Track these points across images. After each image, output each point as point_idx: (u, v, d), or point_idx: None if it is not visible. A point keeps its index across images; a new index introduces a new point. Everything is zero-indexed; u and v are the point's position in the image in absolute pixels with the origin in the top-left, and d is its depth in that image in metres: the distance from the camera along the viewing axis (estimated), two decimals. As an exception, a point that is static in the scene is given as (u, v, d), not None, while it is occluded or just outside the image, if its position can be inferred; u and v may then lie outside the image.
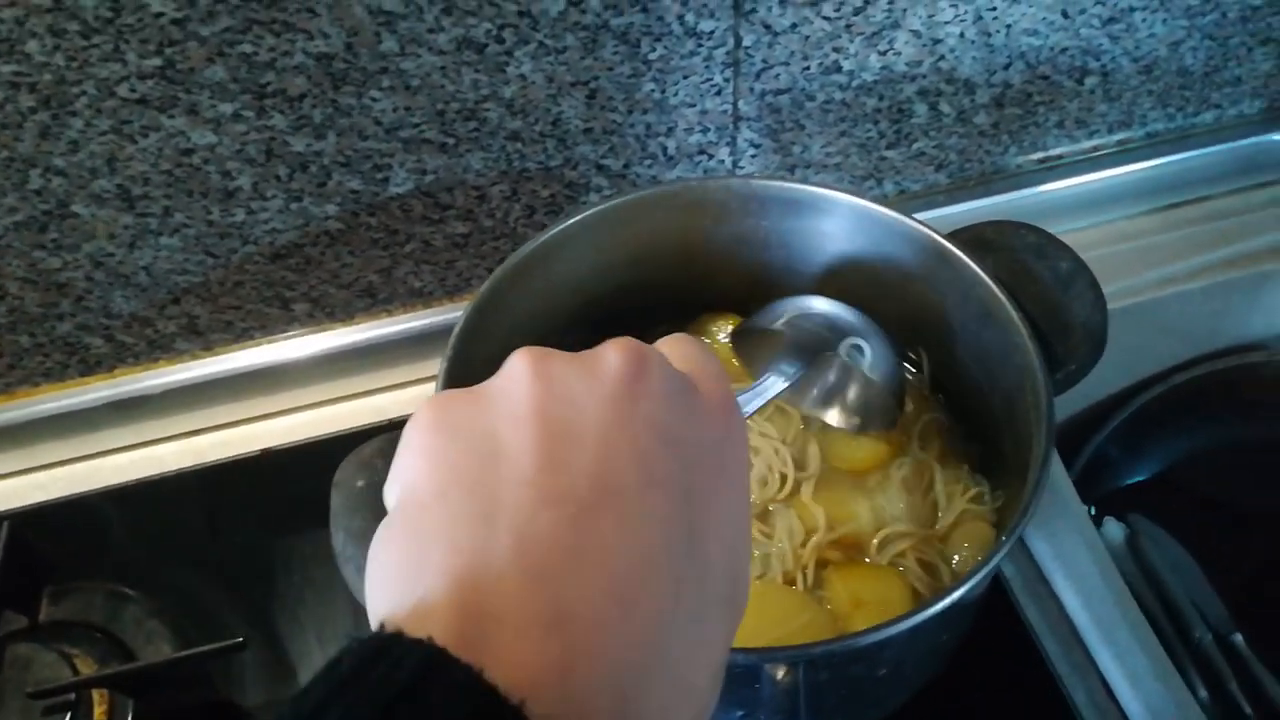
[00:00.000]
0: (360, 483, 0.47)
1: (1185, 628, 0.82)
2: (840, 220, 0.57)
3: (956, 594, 0.42)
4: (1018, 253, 0.53)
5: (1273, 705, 0.77)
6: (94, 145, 0.57)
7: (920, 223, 0.54)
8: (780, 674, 0.45)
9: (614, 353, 0.28)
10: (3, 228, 0.59)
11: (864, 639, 0.42)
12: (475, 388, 0.29)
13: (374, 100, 0.60)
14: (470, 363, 0.51)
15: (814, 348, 0.56)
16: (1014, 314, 0.50)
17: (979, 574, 0.42)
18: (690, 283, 0.63)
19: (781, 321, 0.56)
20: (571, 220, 0.55)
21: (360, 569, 0.44)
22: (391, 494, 0.28)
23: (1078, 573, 0.62)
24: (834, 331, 0.56)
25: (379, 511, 0.46)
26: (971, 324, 0.53)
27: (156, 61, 0.55)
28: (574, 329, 0.60)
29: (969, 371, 0.57)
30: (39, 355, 0.67)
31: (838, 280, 0.60)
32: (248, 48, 0.55)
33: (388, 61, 0.58)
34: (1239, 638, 0.81)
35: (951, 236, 0.55)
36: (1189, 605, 0.82)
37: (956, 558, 0.57)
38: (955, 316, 0.55)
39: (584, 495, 0.25)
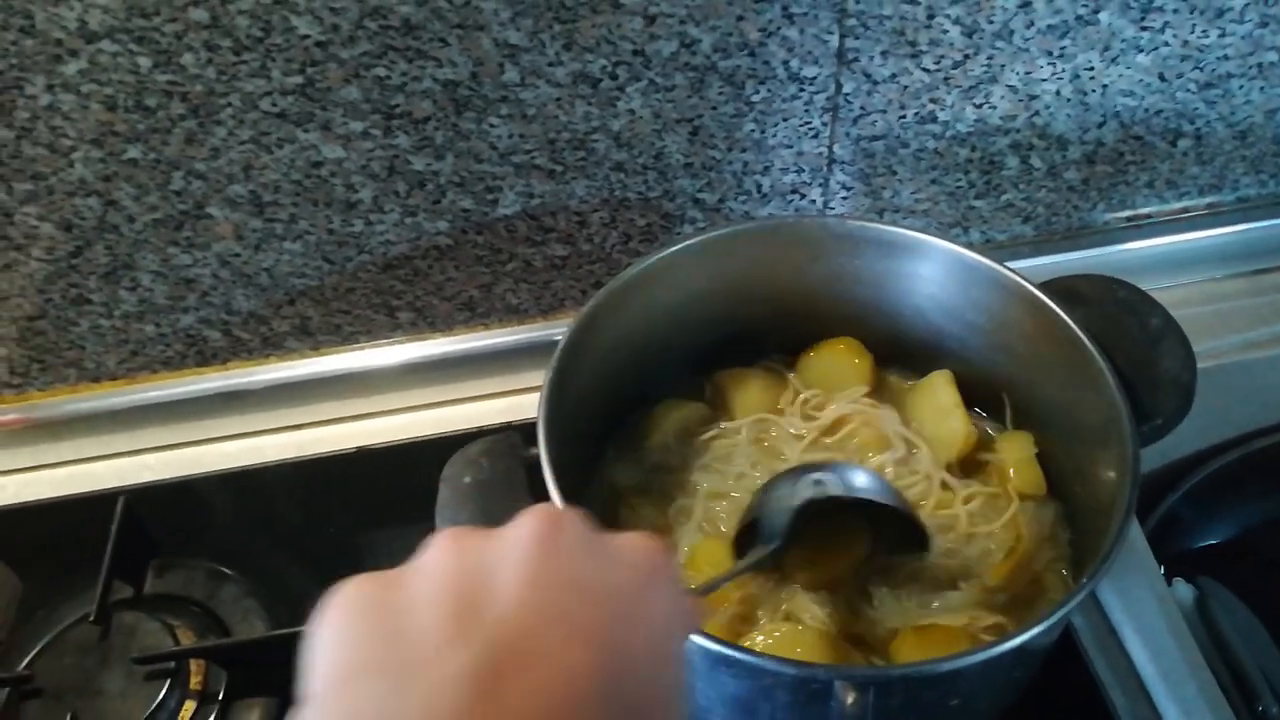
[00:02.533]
0: (467, 479, 0.50)
1: (1250, 695, 0.81)
2: (932, 264, 0.59)
3: (1029, 634, 0.43)
4: (1108, 306, 0.54)
5: (1341, 781, 0.76)
6: (234, 153, 0.61)
7: (1013, 271, 0.55)
8: (851, 698, 0.47)
9: (527, 518, 0.30)
10: (143, 224, 0.64)
11: (939, 666, 0.44)
12: (391, 571, 0.29)
13: (492, 126, 0.63)
14: (570, 378, 0.54)
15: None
16: (1103, 365, 0.51)
17: (1053, 616, 0.43)
18: (783, 318, 0.65)
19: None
20: (673, 249, 0.58)
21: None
22: (308, 680, 0.27)
23: (1148, 628, 0.62)
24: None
25: (483, 505, 0.49)
26: (1058, 374, 0.55)
27: (298, 79, 0.59)
28: (670, 355, 0.63)
29: (1051, 421, 0.58)
30: (161, 344, 0.71)
31: (926, 321, 0.62)
32: (382, 71, 0.60)
33: (508, 91, 0.62)
34: (1308, 710, 0.80)
35: (1043, 286, 0.56)
36: (1256, 673, 0.81)
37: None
38: (1042, 366, 0.56)
39: (499, 662, 0.25)
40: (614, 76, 0.62)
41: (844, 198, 0.74)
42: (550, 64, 0.61)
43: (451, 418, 0.75)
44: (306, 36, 0.58)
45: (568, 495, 0.48)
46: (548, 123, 0.64)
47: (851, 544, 0.56)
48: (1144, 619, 0.62)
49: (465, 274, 0.72)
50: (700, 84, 0.64)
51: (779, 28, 0.62)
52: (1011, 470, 0.60)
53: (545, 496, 0.48)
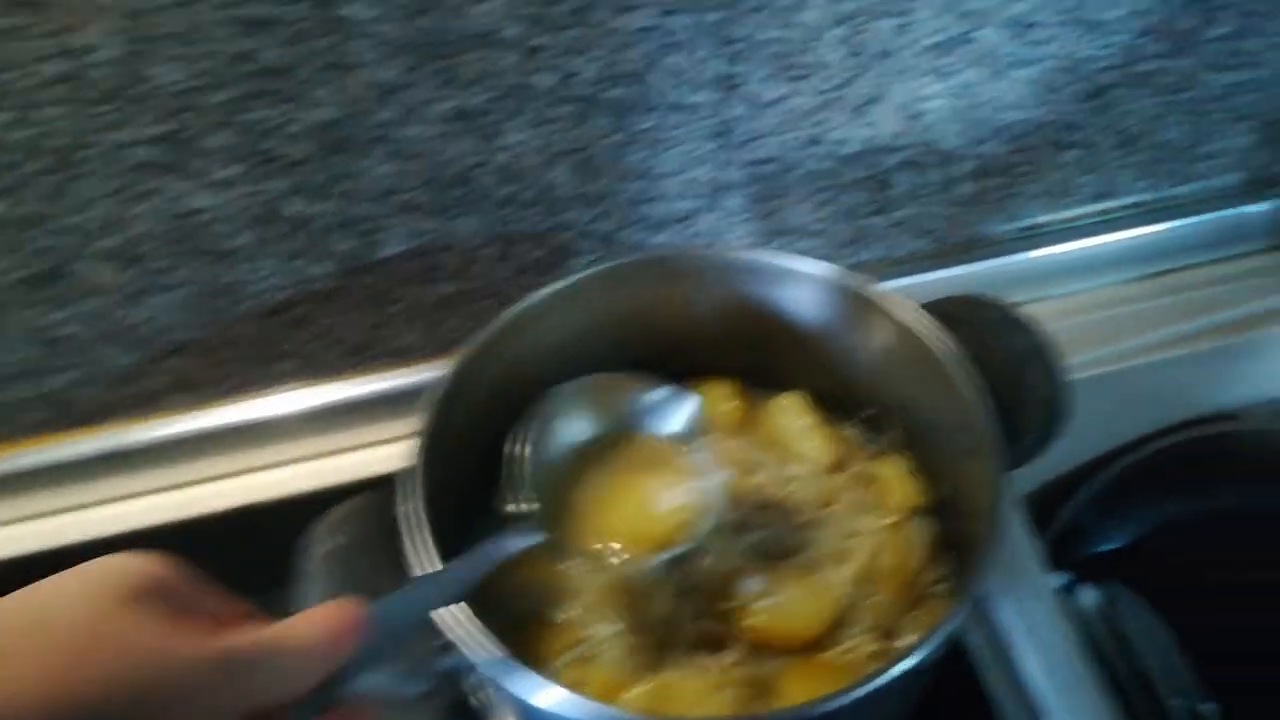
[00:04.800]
0: (329, 545, 0.48)
1: (1157, 697, 0.82)
2: (812, 289, 0.59)
3: (891, 674, 0.43)
4: (981, 327, 0.54)
5: (1243, 774, 0.78)
6: (101, 206, 0.59)
7: (888, 294, 0.56)
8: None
9: None
10: (8, 284, 0.61)
11: (815, 709, 0.43)
12: None
13: (371, 166, 0.62)
14: (450, 423, 0.53)
15: None
16: (973, 387, 0.51)
17: (914, 656, 0.43)
18: (673, 351, 0.64)
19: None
20: (556, 287, 0.57)
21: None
22: None
23: (1041, 643, 0.63)
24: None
25: (347, 576, 0.48)
26: (935, 395, 0.55)
27: (164, 128, 0.57)
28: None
29: (931, 441, 0.58)
30: (29, 409, 0.68)
31: (809, 345, 0.62)
32: (253, 115, 0.57)
33: (385, 129, 0.60)
34: (1210, 708, 0.81)
35: (921, 309, 0.56)
36: (1161, 674, 0.83)
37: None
38: (919, 387, 0.56)
39: None
40: (494, 111, 0.61)
41: (737, 222, 0.73)
42: (428, 101, 0.60)
43: (345, 466, 0.73)
44: (171, 84, 0.55)
45: (443, 554, 0.47)
46: (429, 160, 0.62)
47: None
48: (1037, 632, 0.63)
49: (351, 318, 0.70)
50: (585, 115, 0.63)
51: (661, 56, 0.62)
52: (890, 487, 0.60)
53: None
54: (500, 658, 0.44)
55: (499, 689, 0.47)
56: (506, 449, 0.50)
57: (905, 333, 0.56)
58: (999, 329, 0.55)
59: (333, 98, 0.58)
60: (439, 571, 0.45)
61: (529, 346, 0.58)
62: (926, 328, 0.55)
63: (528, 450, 0.50)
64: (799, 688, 0.53)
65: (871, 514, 0.60)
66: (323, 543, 0.52)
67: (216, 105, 0.57)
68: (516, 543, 0.47)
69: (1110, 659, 0.85)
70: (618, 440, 0.57)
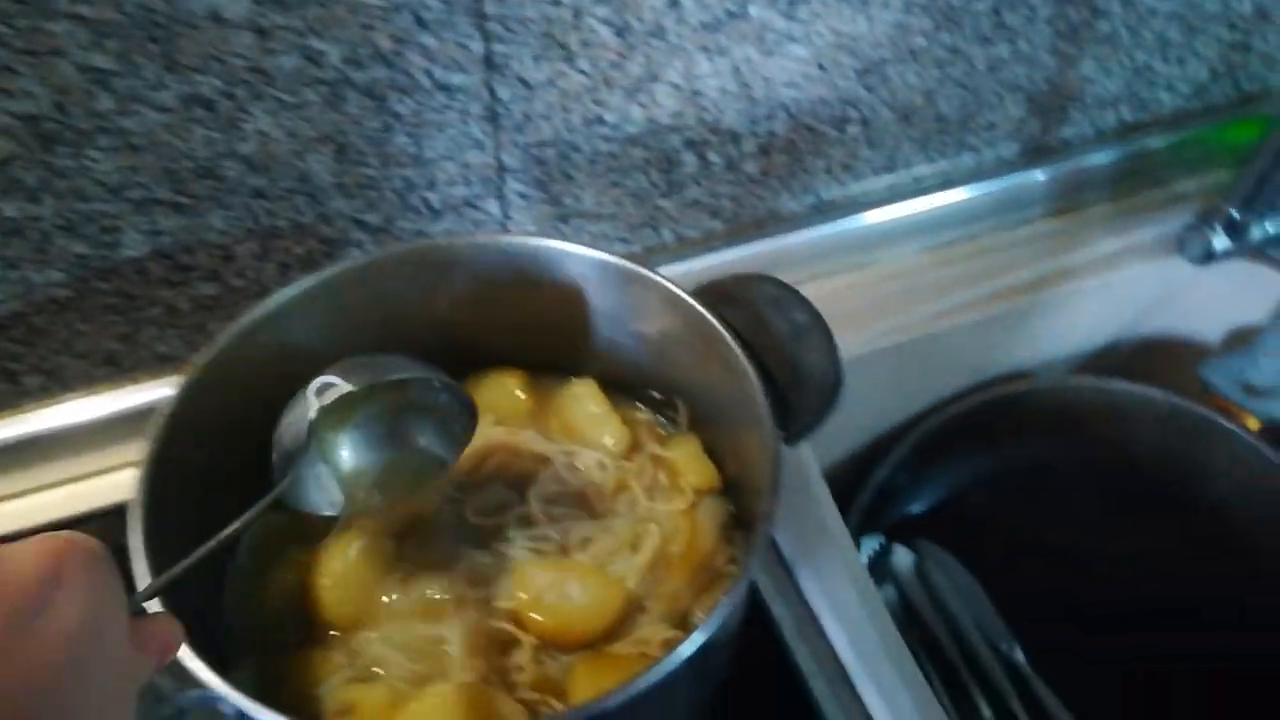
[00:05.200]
0: None
1: (970, 649, 0.85)
2: (588, 275, 0.57)
3: (673, 662, 0.41)
4: (757, 305, 0.53)
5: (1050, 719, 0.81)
6: None
7: (659, 277, 0.54)
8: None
9: None
10: None
11: (595, 708, 0.41)
12: None
13: (94, 161, 0.56)
14: (182, 446, 0.48)
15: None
16: (748, 367, 0.50)
17: (692, 642, 0.42)
18: (448, 345, 0.61)
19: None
20: (303, 285, 0.53)
21: None
22: None
23: (845, 611, 0.63)
24: None
25: None
26: (715, 376, 0.54)
27: None
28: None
29: (718, 421, 0.57)
30: None
31: (593, 331, 0.60)
32: (-62, 109, 0.51)
33: (105, 120, 0.55)
34: (1019, 655, 0.84)
35: (696, 291, 0.55)
36: (972, 626, 0.85)
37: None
38: (701, 368, 0.55)
39: None
40: (231, 97, 0.56)
41: (523, 207, 0.70)
42: (151, 88, 0.54)
43: (110, 486, 0.66)
44: None
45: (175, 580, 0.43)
46: (161, 152, 0.57)
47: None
48: (841, 604, 0.63)
49: (96, 326, 0.63)
50: (336, 99, 0.59)
51: (413, 35, 0.58)
52: (683, 469, 0.59)
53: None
54: (241, 696, 0.40)
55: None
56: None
57: (681, 314, 0.55)
58: (774, 305, 0.55)
59: (38, 86, 0.52)
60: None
61: (276, 353, 0.54)
62: (700, 308, 0.53)
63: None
64: (589, 683, 0.51)
65: (663, 498, 0.58)
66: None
67: (-102, 97, 0.50)
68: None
69: (925, 617, 0.87)
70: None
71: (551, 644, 0.53)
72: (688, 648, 0.42)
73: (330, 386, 0.47)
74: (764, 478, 0.48)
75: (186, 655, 0.40)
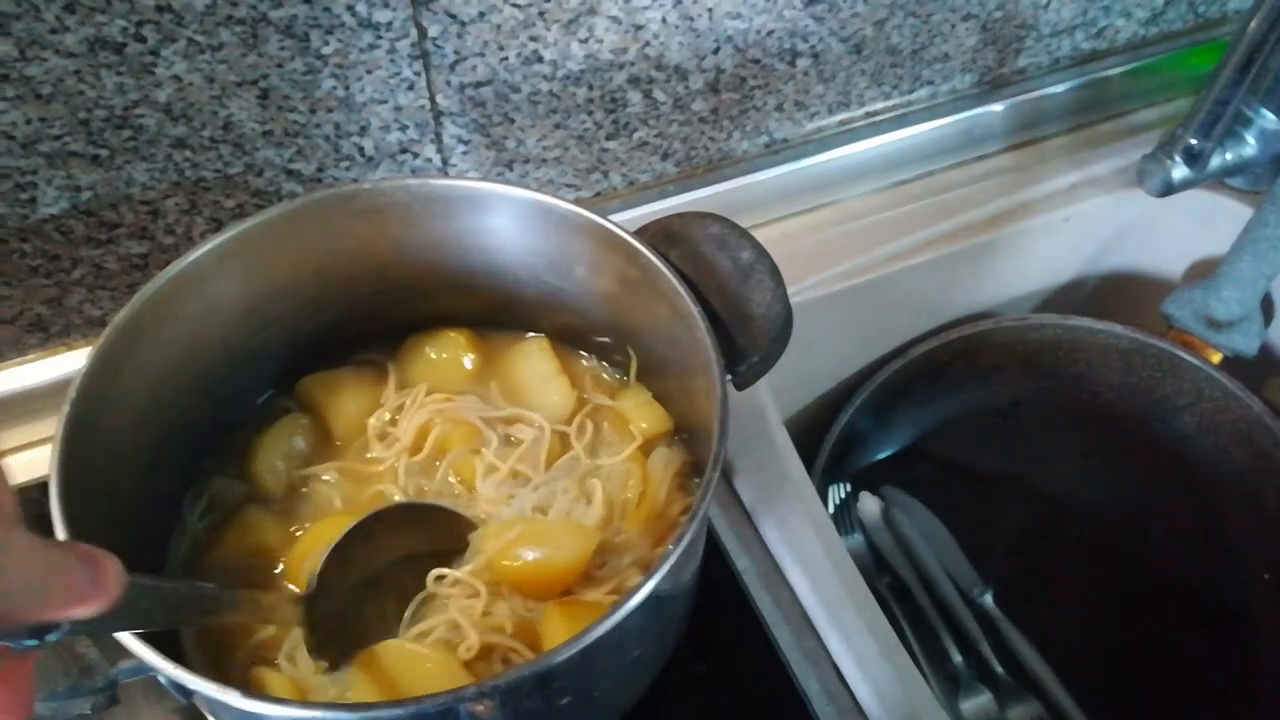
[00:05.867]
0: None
1: (938, 594, 0.84)
2: (526, 219, 0.54)
3: (624, 609, 0.40)
4: (700, 244, 0.51)
5: (1021, 662, 0.81)
6: None
7: (600, 217, 0.52)
8: (481, 709, 0.42)
9: None
10: None
11: (560, 655, 0.39)
12: None
13: (-2, 111, 0.53)
14: (99, 420, 0.45)
15: None
16: (692, 307, 0.48)
17: (644, 588, 0.40)
18: (388, 297, 0.59)
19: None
20: (217, 240, 0.50)
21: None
22: None
23: (806, 558, 0.62)
24: None
25: None
26: (662, 319, 0.52)
27: None
28: (256, 365, 0.56)
29: (667, 366, 0.55)
30: None
31: (536, 278, 0.58)
32: None
33: (7, 68, 0.51)
34: (988, 599, 0.84)
35: (639, 231, 0.53)
36: (941, 571, 0.85)
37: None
38: (648, 312, 0.53)
39: None
40: (141, 39, 0.53)
41: (464, 152, 0.68)
42: (53, 31, 0.51)
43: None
44: None
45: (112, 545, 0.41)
46: (72, 101, 0.54)
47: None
48: (802, 550, 0.62)
49: (21, 290, 0.60)
50: (254, 39, 0.56)
51: (332, -32, 0.55)
52: (632, 417, 0.58)
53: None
54: (178, 669, 0.38)
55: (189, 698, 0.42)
56: None
57: (623, 256, 0.52)
58: (718, 244, 0.53)
59: (-74, 30, 0.49)
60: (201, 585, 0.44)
61: (202, 313, 0.51)
62: (642, 249, 0.51)
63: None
64: (562, 629, 0.50)
65: (607, 452, 0.57)
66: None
67: None
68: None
69: (893, 562, 0.86)
70: None
71: (522, 592, 0.51)
72: (637, 597, 0.41)
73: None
74: (711, 429, 0.46)
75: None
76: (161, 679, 0.41)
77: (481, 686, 0.37)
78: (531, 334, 0.63)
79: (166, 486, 0.53)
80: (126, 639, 0.39)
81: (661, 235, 0.52)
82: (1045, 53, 0.86)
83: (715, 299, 0.50)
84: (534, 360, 0.61)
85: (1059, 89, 0.87)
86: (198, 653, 0.49)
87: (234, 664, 0.49)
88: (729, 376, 0.49)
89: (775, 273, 0.50)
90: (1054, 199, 0.85)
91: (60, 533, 0.42)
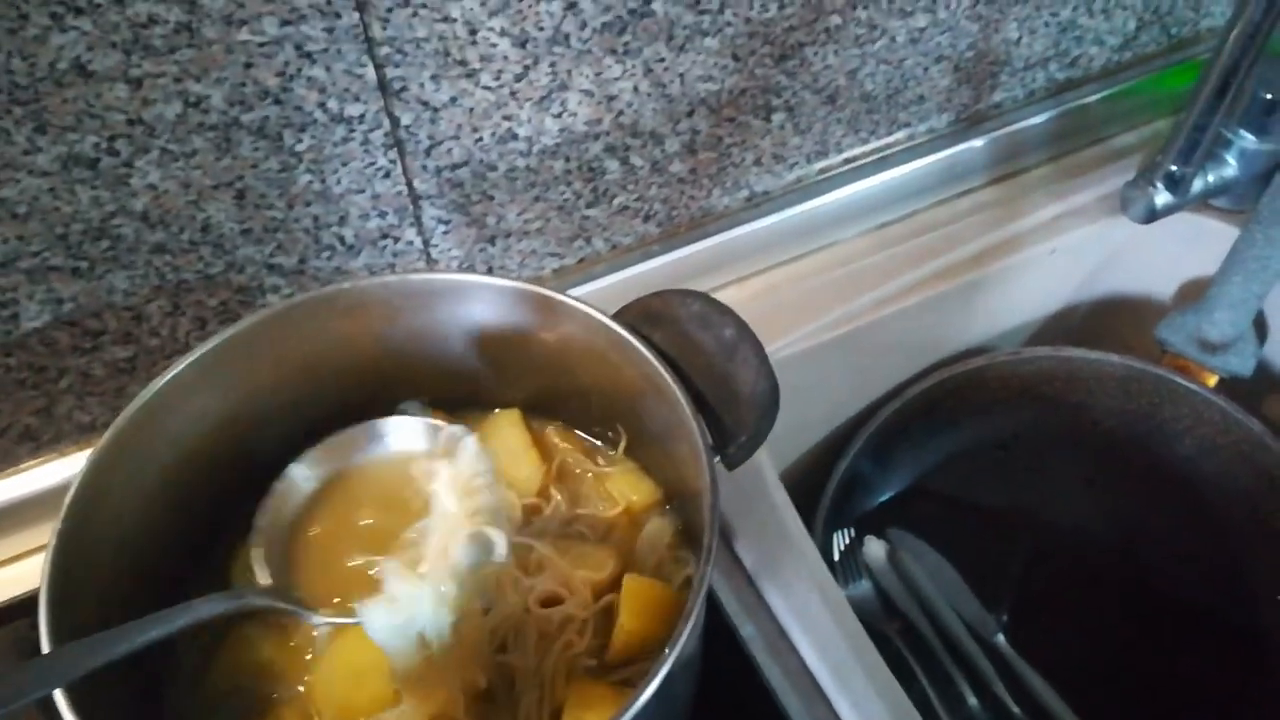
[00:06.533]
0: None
1: (949, 635, 0.83)
2: (505, 306, 0.54)
3: (653, 685, 0.39)
4: (684, 324, 0.51)
5: (1037, 702, 0.80)
6: None
7: (578, 304, 0.52)
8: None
9: None
10: None
11: None
12: None
13: (-26, 234, 0.53)
14: (92, 526, 0.45)
15: None
16: (676, 390, 0.48)
17: (646, 691, 0.40)
18: (378, 384, 0.58)
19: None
20: (199, 352, 0.50)
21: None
22: None
23: (812, 623, 0.61)
24: None
25: None
26: (649, 399, 0.51)
27: None
28: (255, 465, 0.55)
29: (657, 444, 0.55)
30: None
31: (523, 365, 0.58)
32: None
33: (-20, 190, 0.52)
34: (1000, 639, 0.83)
35: (619, 313, 0.53)
36: (950, 612, 0.84)
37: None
38: (634, 393, 0.53)
39: None
40: (114, 153, 0.53)
41: (444, 232, 0.68)
42: (25, 153, 0.51)
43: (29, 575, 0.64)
44: None
45: (108, 680, 0.41)
46: (48, 217, 0.54)
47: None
48: (808, 616, 0.61)
49: (10, 403, 0.60)
50: (227, 143, 0.56)
51: (299, 69, 0.55)
52: (621, 487, 0.58)
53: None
54: None
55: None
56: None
57: (605, 339, 0.52)
58: (700, 322, 0.52)
59: (-100, 163, 0.49)
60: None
61: (193, 420, 0.51)
62: (623, 333, 0.51)
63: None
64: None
65: (602, 520, 0.57)
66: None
67: None
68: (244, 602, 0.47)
69: (903, 607, 0.85)
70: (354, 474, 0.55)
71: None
72: (648, 690, 0.40)
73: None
74: (702, 509, 0.46)
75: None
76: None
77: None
78: (500, 410, 0.62)
79: (161, 602, 0.53)
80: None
81: (643, 316, 0.52)
82: (1020, 86, 0.86)
83: (700, 379, 0.49)
84: (504, 434, 0.60)
85: (1037, 120, 0.87)
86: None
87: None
88: (717, 458, 0.49)
89: (759, 348, 0.50)
90: (1039, 231, 0.85)
91: (45, 645, 0.42)
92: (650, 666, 0.48)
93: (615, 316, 0.51)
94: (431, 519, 0.49)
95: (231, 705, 0.51)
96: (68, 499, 0.44)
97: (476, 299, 0.55)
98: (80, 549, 0.44)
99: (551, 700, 0.49)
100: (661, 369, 0.48)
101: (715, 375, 0.49)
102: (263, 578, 0.48)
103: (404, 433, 0.55)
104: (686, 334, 0.51)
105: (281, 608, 0.48)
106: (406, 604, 0.46)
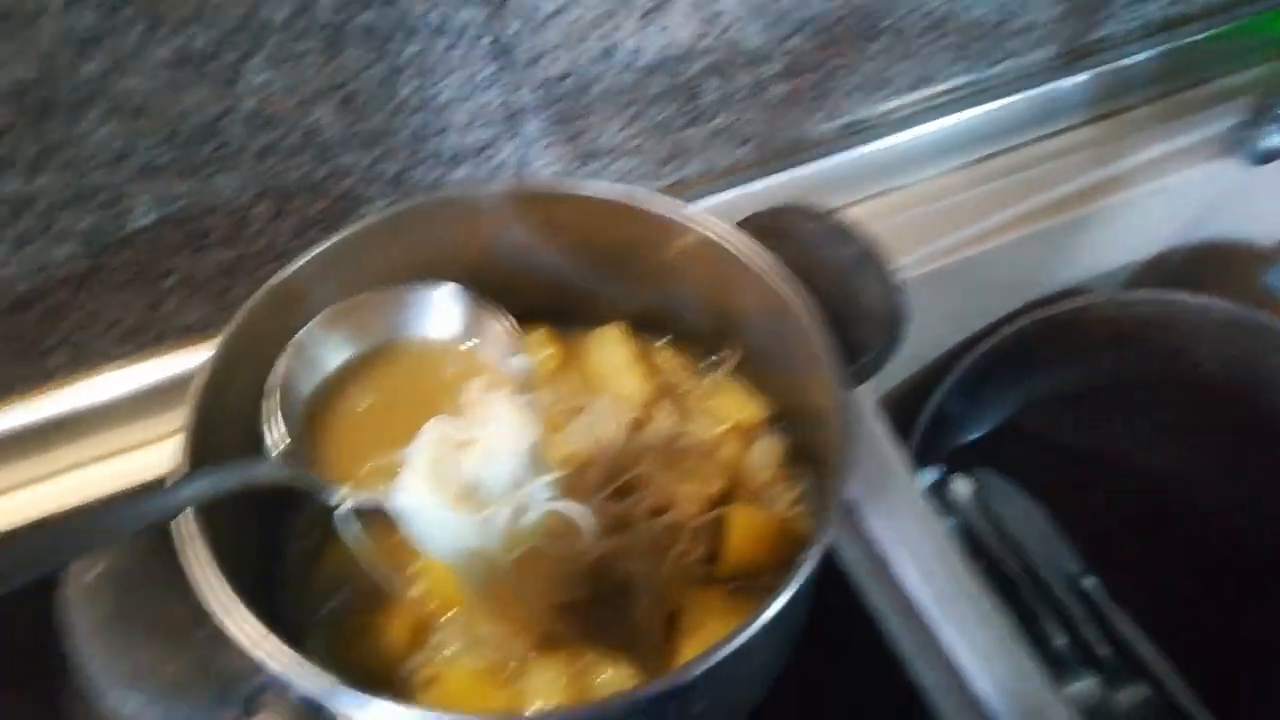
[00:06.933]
0: (98, 568, 0.41)
1: (1039, 577, 0.82)
2: (620, 216, 0.53)
3: (763, 619, 0.39)
4: (806, 239, 0.50)
5: (1127, 645, 0.78)
6: None
7: (700, 215, 0.50)
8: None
9: None
10: None
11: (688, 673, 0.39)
12: None
13: (90, 129, 0.53)
14: (220, 414, 0.45)
15: None
16: (803, 304, 0.47)
17: (781, 596, 0.39)
18: (489, 294, 0.58)
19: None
20: (323, 247, 0.50)
21: (101, 670, 0.39)
22: None
23: (914, 550, 0.60)
24: None
25: (122, 600, 0.41)
26: (767, 315, 0.50)
27: None
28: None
29: (773, 362, 0.54)
30: None
31: (637, 275, 0.57)
32: (-80, 83, 0.48)
33: (96, 85, 0.52)
34: (1090, 581, 0.81)
35: (742, 224, 0.51)
36: (1040, 553, 0.82)
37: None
38: (750, 307, 0.52)
39: None
40: (225, 52, 0.53)
41: (543, 148, 0.67)
42: (139, 47, 0.51)
43: (137, 468, 0.64)
44: None
45: (231, 561, 0.41)
46: (160, 115, 0.54)
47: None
48: (910, 543, 0.60)
49: (118, 299, 0.61)
50: (335, 46, 0.55)
51: (411, -30, 0.55)
52: (727, 404, 0.57)
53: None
54: (328, 683, 0.38)
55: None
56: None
57: (724, 252, 0.51)
58: (823, 240, 0.51)
59: (19, 54, 0.49)
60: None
61: (307, 318, 0.51)
62: (747, 245, 0.50)
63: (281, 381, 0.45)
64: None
65: (709, 437, 0.56)
66: (89, 567, 0.44)
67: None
68: (254, 473, 0.43)
69: (989, 546, 0.84)
70: (390, 355, 0.50)
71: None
72: (761, 619, 0.40)
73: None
74: (832, 421, 0.44)
75: (258, 641, 0.38)
76: (295, 692, 0.41)
77: (633, 696, 0.37)
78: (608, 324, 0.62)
79: (276, 494, 0.53)
80: (267, 652, 0.39)
81: (763, 229, 0.51)
82: (1128, 20, 0.82)
83: (824, 295, 0.48)
84: (609, 349, 0.60)
85: (1143, 56, 0.84)
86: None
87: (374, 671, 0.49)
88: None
89: (885, 268, 0.49)
90: (1143, 171, 0.82)
91: (192, 528, 0.42)
92: (764, 582, 0.47)
93: (736, 228, 0.50)
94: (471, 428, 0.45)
95: (338, 602, 0.51)
96: (198, 381, 0.45)
97: (592, 209, 0.54)
98: (209, 432, 0.44)
99: (667, 605, 0.48)
100: (787, 283, 0.47)
101: (840, 290, 0.48)
102: (275, 440, 0.45)
103: (439, 313, 0.50)
104: (809, 249, 0.49)
105: (296, 483, 0.44)
106: (431, 507, 0.43)
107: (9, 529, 0.61)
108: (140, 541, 0.43)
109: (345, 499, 0.43)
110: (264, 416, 0.45)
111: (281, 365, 0.46)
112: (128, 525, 0.41)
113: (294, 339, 0.47)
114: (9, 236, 0.55)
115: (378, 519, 0.46)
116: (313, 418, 0.47)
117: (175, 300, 0.63)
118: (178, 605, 0.42)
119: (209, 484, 0.42)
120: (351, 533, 0.45)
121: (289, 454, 0.44)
